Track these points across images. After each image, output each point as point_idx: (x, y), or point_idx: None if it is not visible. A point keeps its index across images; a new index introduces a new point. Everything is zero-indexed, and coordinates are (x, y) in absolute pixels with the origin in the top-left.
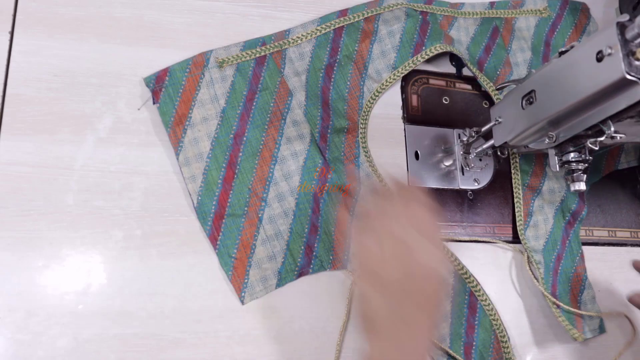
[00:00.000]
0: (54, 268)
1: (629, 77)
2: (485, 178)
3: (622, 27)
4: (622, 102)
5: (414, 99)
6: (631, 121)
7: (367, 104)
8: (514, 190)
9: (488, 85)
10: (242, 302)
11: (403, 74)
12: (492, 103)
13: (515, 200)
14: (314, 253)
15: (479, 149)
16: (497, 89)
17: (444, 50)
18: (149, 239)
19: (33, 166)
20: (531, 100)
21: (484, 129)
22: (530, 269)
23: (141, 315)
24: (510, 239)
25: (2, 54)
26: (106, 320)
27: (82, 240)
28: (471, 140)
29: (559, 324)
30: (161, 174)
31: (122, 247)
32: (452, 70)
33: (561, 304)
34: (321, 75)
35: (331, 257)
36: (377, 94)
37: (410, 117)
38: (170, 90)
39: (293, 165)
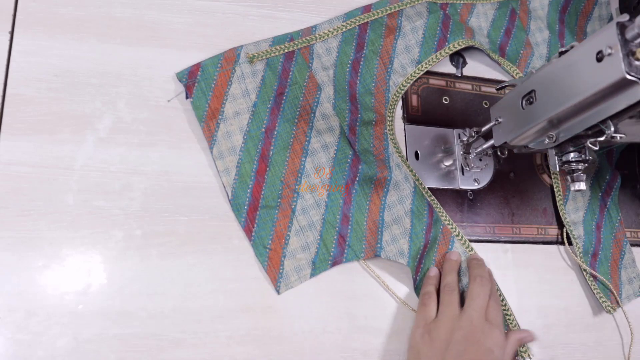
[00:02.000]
0: (54, 268)
1: (629, 77)
2: (485, 178)
3: (622, 27)
4: (622, 102)
5: (414, 99)
6: (631, 121)
7: (393, 97)
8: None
9: (512, 70)
10: (278, 292)
11: (427, 69)
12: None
13: (553, 176)
14: (347, 242)
15: (479, 149)
16: (498, 90)
17: (467, 45)
18: (149, 239)
19: (33, 166)
20: (531, 100)
21: (484, 129)
22: (569, 244)
23: (141, 315)
24: (511, 239)
25: (2, 54)
26: (106, 320)
27: (82, 240)
28: (471, 140)
29: (595, 298)
30: (161, 174)
31: (122, 247)
32: (452, 70)
33: (599, 275)
34: (348, 69)
35: (364, 246)
36: (402, 87)
37: (410, 117)
38: (202, 85)
39: (324, 157)
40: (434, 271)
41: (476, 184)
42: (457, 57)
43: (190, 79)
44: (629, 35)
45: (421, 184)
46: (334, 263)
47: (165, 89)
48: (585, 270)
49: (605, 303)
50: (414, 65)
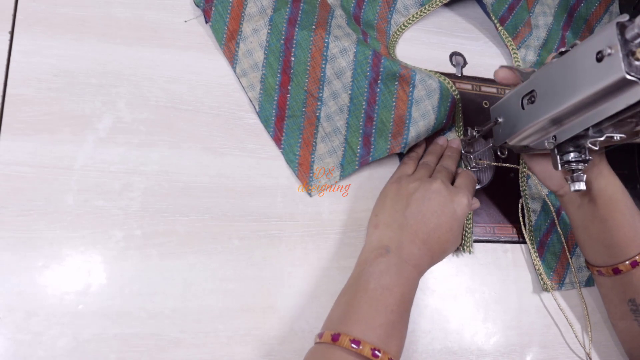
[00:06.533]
0: (54, 268)
1: (629, 77)
2: (485, 178)
3: (622, 27)
4: (622, 102)
5: None
6: (631, 121)
7: (393, 35)
8: None
9: (507, 40)
10: (310, 195)
11: (429, 11)
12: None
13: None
14: (372, 142)
15: (479, 149)
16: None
17: None
18: (149, 239)
19: (33, 166)
20: (531, 100)
21: (484, 129)
22: (522, 216)
23: (141, 315)
24: (511, 239)
25: (2, 54)
26: (106, 320)
27: (82, 240)
28: (471, 140)
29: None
30: (161, 173)
31: (122, 247)
32: (452, 70)
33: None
34: (352, 5)
35: (389, 143)
36: (403, 27)
37: None
38: (219, 8)
39: (344, 62)
40: (420, 145)
41: (477, 184)
42: (458, 56)
43: (207, 3)
44: (629, 35)
45: (444, 79)
46: (361, 163)
47: (165, 88)
48: (528, 244)
49: (543, 280)
50: (417, 7)
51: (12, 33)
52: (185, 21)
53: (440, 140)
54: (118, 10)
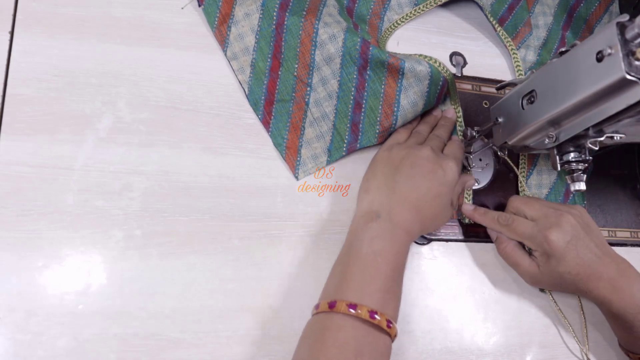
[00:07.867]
0: (54, 268)
1: (629, 77)
2: (485, 178)
3: (622, 27)
4: (622, 102)
5: None
6: (631, 121)
7: (385, 32)
8: None
9: (506, 41)
10: (297, 178)
11: (424, 11)
12: (506, 81)
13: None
14: (360, 129)
15: (479, 149)
16: (498, 89)
17: None
18: (149, 239)
19: (33, 166)
20: (531, 100)
21: (484, 129)
22: None
23: (141, 315)
24: None
25: (2, 54)
26: (106, 320)
27: (82, 240)
28: (471, 140)
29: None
30: (161, 173)
31: (122, 247)
32: (452, 70)
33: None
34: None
35: (377, 132)
36: (396, 25)
37: None
38: None
39: (332, 48)
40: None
41: (476, 184)
42: (457, 57)
43: None
44: (629, 35)
45: (435, 61)
46: (349, 149)
47: (165, 88)
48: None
49: None
50: (412, 6)
51: (12, 33)
52: (182, 8)
53: (435, 112)
54: (118, 10)
